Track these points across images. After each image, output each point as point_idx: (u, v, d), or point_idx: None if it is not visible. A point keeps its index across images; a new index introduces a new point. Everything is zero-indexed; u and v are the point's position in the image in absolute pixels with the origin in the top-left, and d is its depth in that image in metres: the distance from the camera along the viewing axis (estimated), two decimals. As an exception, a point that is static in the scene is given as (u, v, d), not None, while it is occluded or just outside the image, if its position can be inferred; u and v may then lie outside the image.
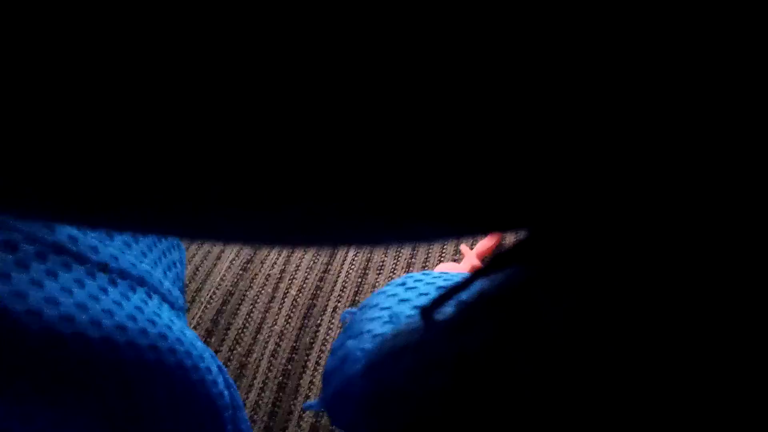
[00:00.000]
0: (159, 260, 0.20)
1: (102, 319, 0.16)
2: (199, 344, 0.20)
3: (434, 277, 0.22)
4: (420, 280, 0.22)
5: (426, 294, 0.21)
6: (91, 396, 0.16)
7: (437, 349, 0.15)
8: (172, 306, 0.20)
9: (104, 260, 0.17)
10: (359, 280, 0.50)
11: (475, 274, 0.13)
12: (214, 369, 0.20)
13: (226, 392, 0.21)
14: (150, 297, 0.19)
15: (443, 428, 0.14)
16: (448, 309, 0.15)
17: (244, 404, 0.42)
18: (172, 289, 0.20)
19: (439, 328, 0.15)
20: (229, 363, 0.44)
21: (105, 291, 0.16)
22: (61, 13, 0.06)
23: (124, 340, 0.16)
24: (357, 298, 0.48)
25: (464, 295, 0.14)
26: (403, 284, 0.22)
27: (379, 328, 0.20)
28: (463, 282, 0.14)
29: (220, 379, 0.21)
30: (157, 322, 0.18)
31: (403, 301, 0.21)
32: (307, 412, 0.41)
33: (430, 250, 0.52)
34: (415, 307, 0.20)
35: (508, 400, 0.12)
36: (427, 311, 0.15)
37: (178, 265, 0.22)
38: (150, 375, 0.17)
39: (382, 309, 0.21)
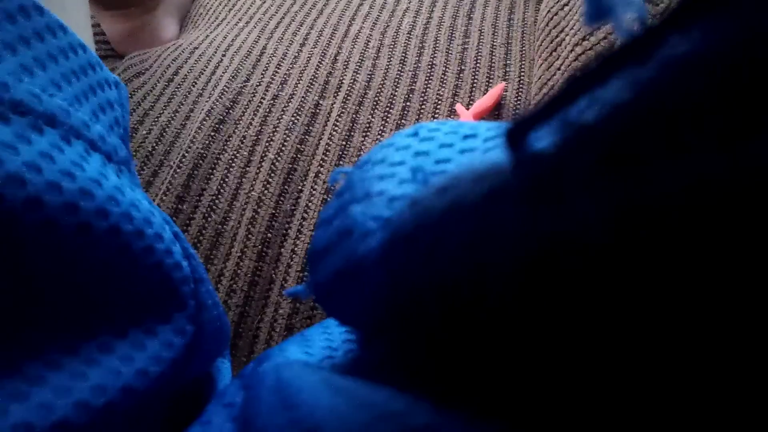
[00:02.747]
0: (82, 96, 0.15)
1: None
2: (145, 205, 0.16)
3: (454, 126, 0.17)
4: (437, 129, 0.16)
5: (450, 145, 0.15)
6: None
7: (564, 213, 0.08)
8: (109, 158, 0.16)
9: None
10: (343, 143, 0.45)
11: (621, 55, 0.07)
12: (167, 236, 0.16)
13: (184, 263, 0.17)
14: (68, 142, 0.14)
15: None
16: (543, 139, 0.08)
17: (222, 273, 0.39)
18: (108, 137, 0.16)
19: (556, 171, 0.08)
20: (204, 231, 0.41)
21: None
22: None
23: (23, 197, 0.12)
24: (341, 163, 0.44)
25: (578, 109, 0.08)
26: (415, 134, 0.17)
27: (396, 188, 0.14)
28: (584, 80, 0.07)
29: (176, 248, 0.17)
30: (77, 176, 0.13)
31: (420, 154, 0.16)
32: (290, 282, 0.39)
33: (422, 110, 0.47)
34: (436, 162, 0.15)
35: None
36: (518, 133, 0.09)
37: (115, 106, 0.17)
38: (67, 242, 0.13)
39: (393, 164, 0.16)
